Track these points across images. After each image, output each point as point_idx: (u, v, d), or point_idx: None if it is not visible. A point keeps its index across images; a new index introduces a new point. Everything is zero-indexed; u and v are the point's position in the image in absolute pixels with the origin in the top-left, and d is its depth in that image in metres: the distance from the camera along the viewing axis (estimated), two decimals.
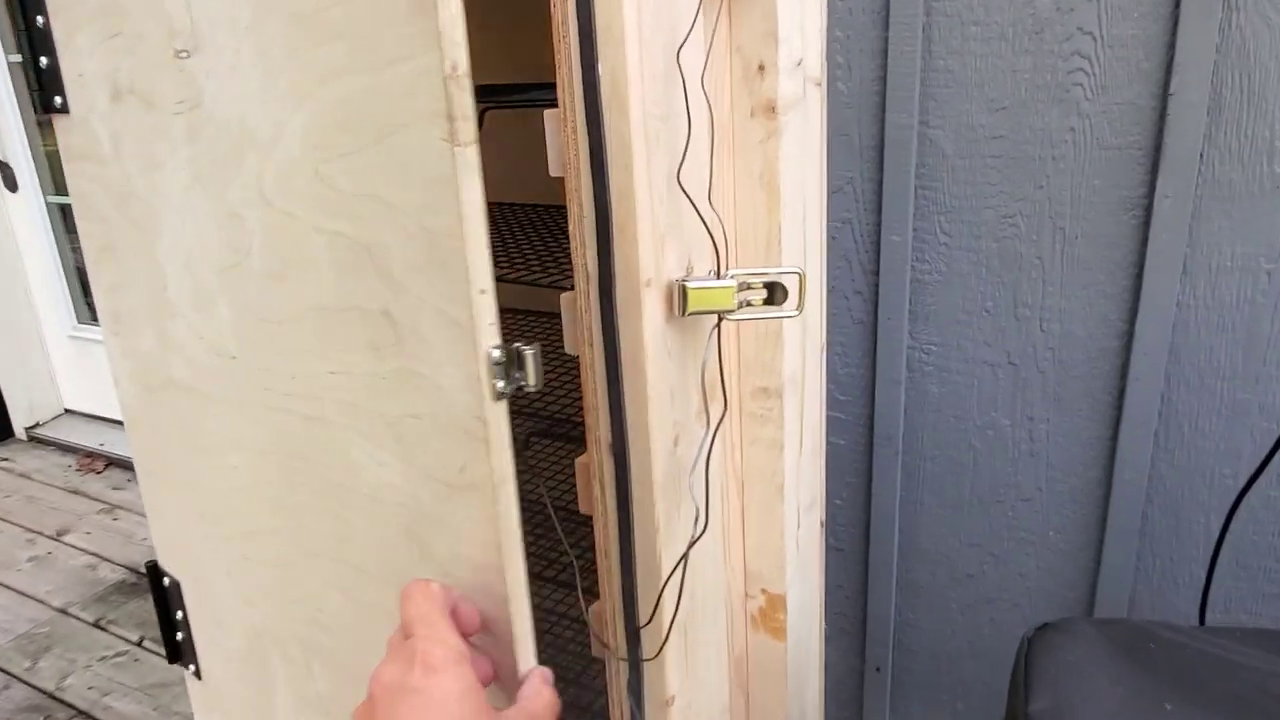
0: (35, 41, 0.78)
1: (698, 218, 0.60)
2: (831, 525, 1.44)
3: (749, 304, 0.61)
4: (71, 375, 3.46)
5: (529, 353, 0.50)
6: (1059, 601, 1.28)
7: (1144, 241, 1.08)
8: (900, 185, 1.19)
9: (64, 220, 3.30)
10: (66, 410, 3.50)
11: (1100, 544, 1.23)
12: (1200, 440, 1.14)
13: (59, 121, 0.81)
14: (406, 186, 0.50)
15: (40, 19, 0.77)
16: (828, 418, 1.38)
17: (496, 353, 0.49)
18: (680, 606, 0.66)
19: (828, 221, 1.26)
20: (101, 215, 0.82)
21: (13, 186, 3.26)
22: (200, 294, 0.72)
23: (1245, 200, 1.03)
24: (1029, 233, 1.15)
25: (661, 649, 0.65)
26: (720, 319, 0.62)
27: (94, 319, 3.24)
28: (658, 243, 0.58)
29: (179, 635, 0.95)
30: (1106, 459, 1.19)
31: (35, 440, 3.26)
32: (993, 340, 1.21)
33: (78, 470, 2.95)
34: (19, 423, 3.36)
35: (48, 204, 3.27)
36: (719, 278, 0.60)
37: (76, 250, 3.17)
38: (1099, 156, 1.09)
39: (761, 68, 0.71)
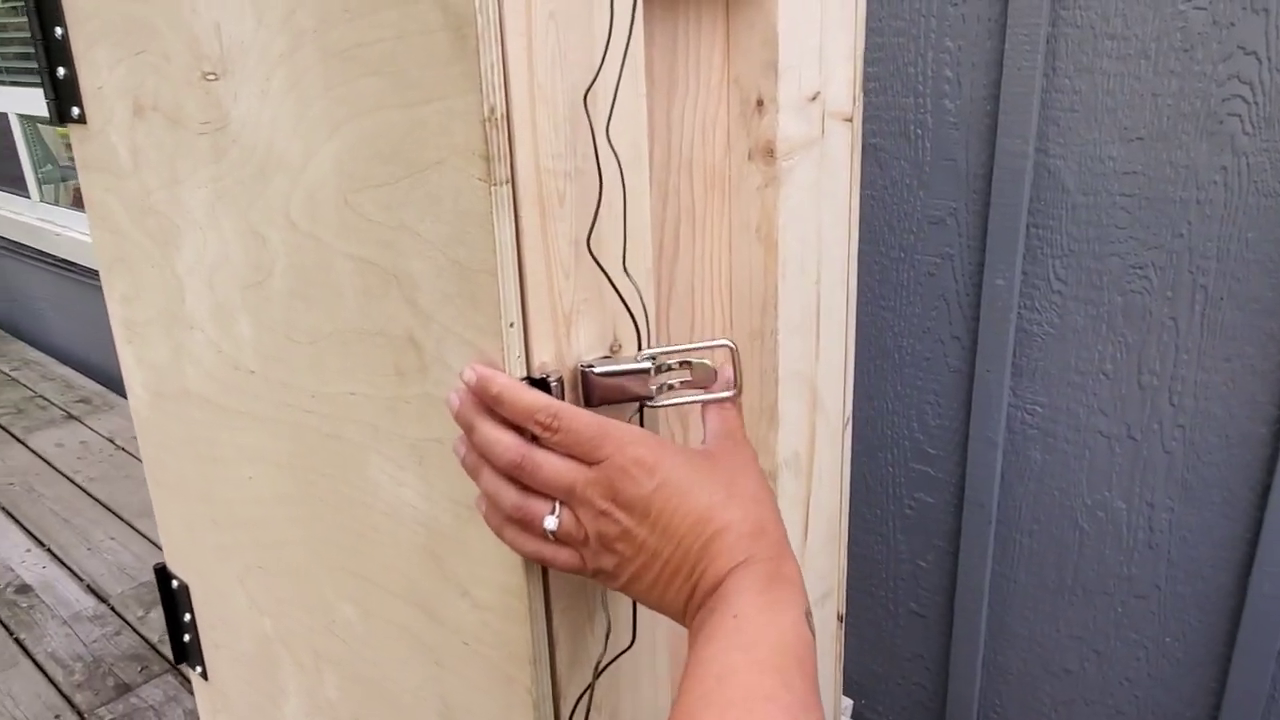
0: (53, 52, 0.78)
1: (625, 288, 0.51)
2: (914, 588, 1.29)
3: (671, 387, 0.51)
4: None
5: (554, 383, 0.50)
6: (1172, 718, 1.09)
7: None
8: (1009, 221, 1.03)
9: None
10: None
11: (1228, 661, 1.03)
12: None
13: (76, 131, 0.81)
14: (437, 220, 0.50)
15: (59, 30, 0.77)
16: (915, 472, 1.23)
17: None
18: None
19: (924, 257, 1.12)
20: (116, 226, 0.82)
21: None
22: (221, 309, 0.73)
23: None
24: (1162, 288, 0.96)
25: None
26: (641, 408, 0.52)
27: None
28: (559, 323, 0.49)
29: (186, 637, 0.96)
30: (1242, 564, 0.99)
31: None
32: (1110, 408, 1.03)
33: None
34: None
35: None
36: (637, 360, 0.51)
37: None
38: (1256, 204, 0.89)
39: (760, 103, 0.60)
